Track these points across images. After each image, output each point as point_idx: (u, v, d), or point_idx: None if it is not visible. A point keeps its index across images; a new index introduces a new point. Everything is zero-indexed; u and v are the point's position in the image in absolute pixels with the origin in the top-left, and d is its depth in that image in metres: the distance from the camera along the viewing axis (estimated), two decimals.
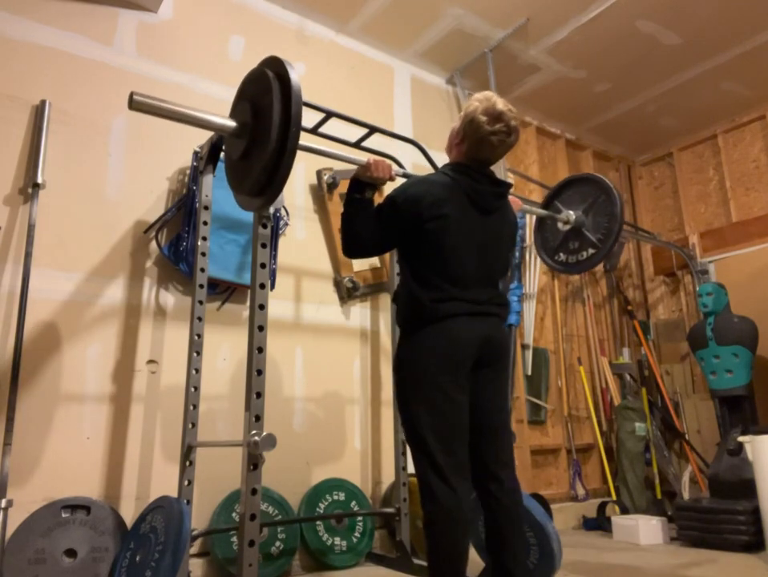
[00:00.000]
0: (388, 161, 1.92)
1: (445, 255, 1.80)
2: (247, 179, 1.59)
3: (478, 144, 1.86)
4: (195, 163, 2.61)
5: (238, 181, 1.67)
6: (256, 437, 1.65)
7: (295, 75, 1.49)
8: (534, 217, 3.97)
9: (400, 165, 2.83)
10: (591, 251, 2.52)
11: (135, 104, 1.52)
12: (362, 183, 1.89)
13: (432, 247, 1.81)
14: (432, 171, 2.69)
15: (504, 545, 1.77)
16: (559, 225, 2.65)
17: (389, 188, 2.04)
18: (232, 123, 1.65)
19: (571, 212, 2.56)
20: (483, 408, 1.83)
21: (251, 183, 1.56)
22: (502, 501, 1.80)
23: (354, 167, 1.97)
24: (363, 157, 1.95)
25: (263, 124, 1.52)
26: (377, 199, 1.95)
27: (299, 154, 3.13)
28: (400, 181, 2.02)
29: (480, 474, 1.82)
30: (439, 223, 1.79)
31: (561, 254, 2.67)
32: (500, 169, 3.64)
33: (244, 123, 1.61)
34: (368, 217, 1.86)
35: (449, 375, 1.74)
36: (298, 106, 1.45)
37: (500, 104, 1.84)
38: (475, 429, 1.80)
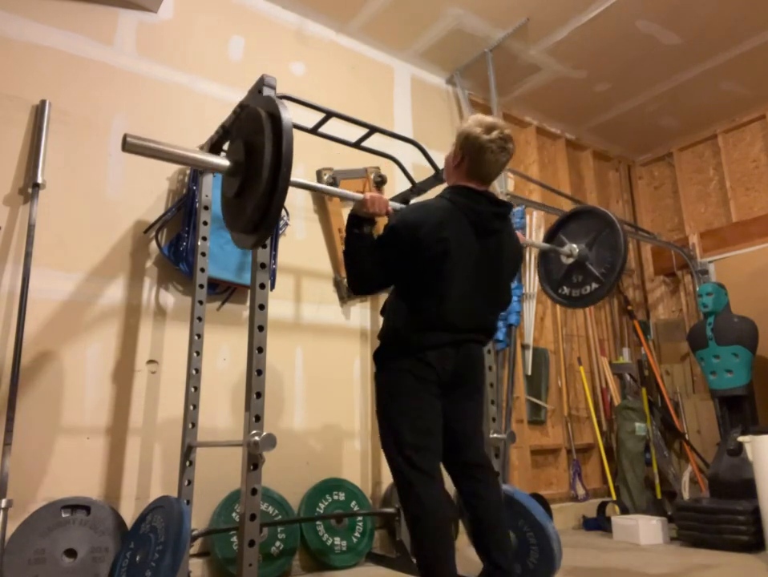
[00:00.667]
0: (384, 197, 1.93)
1: (441, 280, 1.81)
2: (241, 217, 1.61)
3: (478, 156, 1.86)
4: None
5: (233, 219, 1.70)
6: (256, 437, 1.65)
7: (287, 115, 1.51)
8: (533, 216, 3.97)
9: (400, 165, 2.84)
10: (594, 285, 2.51)
11: (128, 146, 1.53)
12: (360, 218, 1.90)
13: (429, 273, 1.81)
14: (432, 171, 2.70)
15: (490, 541, 1.83)
16: (563, 258, 2.64)
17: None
18: (226, 163, 1.67)
19: (574, 246, 2.55)
20: (455, 417, 1.90)
21: (245, 221, 1.58)
22: (482, 498, 1.87)
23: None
24: (359, 194, 1.96)
25: (255, 163, 1.54)
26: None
27: (298, 154, 3.13)
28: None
29: (459, 476, 1.91)
30: (439, 247, 1.79)
31: (565, 287, 2.66)
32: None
33: (238, 163, 1.63)
34: (369, 251, 1.87)
35: (423, 387, 1.81)
36: (289, 145, 1.48)
37: (489, 117, 1.89)
38: (451, 436, 1.88)
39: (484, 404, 2.13)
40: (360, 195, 1.93)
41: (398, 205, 2.07)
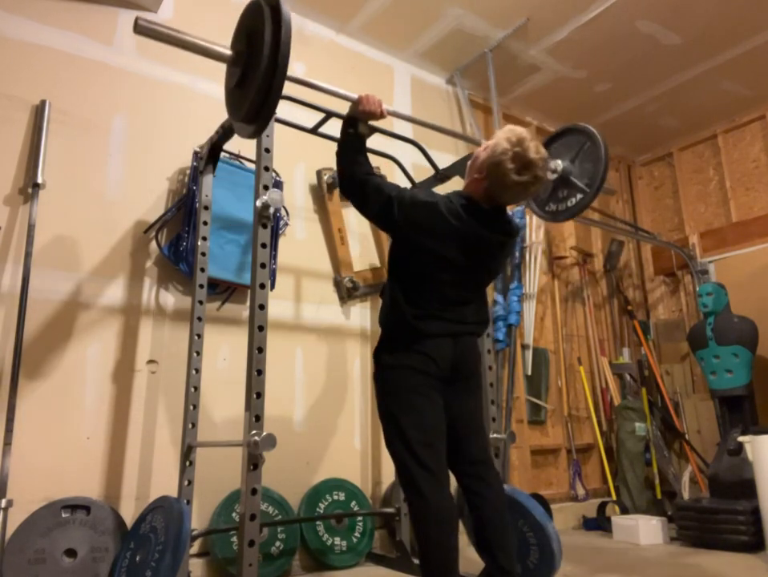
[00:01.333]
0: (378, 97, 1.94)
1: (434, 274, 1.82)
2: (243, 104, 1.66)
3: (500, 190, 1.81)
4: (195, 163, 2.61)
5: (235, 109, 1.75)
6: (256, 437, 1.65)
7: (285, 5, 1.59)
8: (533, 216, 3.97)
9: (400, 165, 2.84)
10: (579, 196, 2.54)
11: (138, 28, 1.64)
12: (356, 119, 1.92)
13: (421, 266, 1.83)
14: (432, 171, 2.69)
15: (492, 540, 1.82)
16: (548, 175, 2.67)
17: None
18: (228, 52, 1.73)
19: (558, 161, 2.59)
20: (458, 413, 1.89)
21: (247, 107, 1.63)
22: (486, 497, 1.86)
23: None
24: (354, 94, 1.98)
25: (256, 48, 1.61)
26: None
27: (299, 154, 3.13)
28: (396, 122, 2.02)
29: (463, 474, 1.90)
30: (434, 256, 1.80)
31: (551, 204, 2.69)
32: None
33: (240, 52, 1.70)
34: (361, 151, 1.90)
35: (425, 382, 1.80)
36: (288, 27, 1.55)
37: (532, 151, 1.76)
38: (453, 433, 1.87)
39: (484, 399, 2.14)
40: (354, 95, 1.96)
41: (391, 108, 2.07)
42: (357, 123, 1.92)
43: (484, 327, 2.00)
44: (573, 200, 2.57)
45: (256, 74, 1.57)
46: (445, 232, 1.79)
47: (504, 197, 1.85)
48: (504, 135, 1.80)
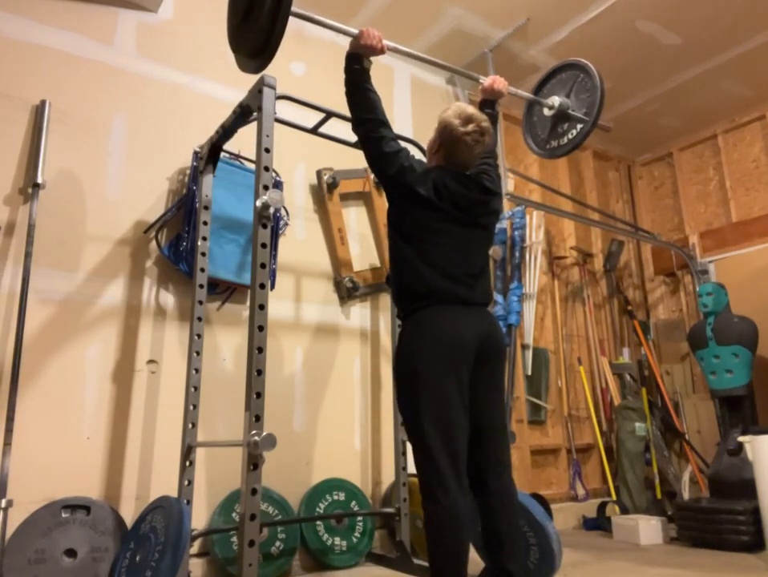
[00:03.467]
0: (378, 32, 1.99)
1: (433, 242, 1.87)
2: (249, 36, 1.67)
3: (454, 146, 1.94)
4: (195, 163, 2.61)
5: (238, 44, 1.76)
6: (256, 437, 1.65)
7: None
8: (533, 216, 3.97)
9: None
10: (579, 126, 2.55)
11: None
12: (358, 55, 1.97)
13: (420, 231, 1.88)
14: None
15: (502, 544, 1.78)
16: (546, 112, 2.68)
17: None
18: None
19: (555, 97, 2.61)
20: (481, 409, 1.84)
21: (253, 39, 1.63)
22: (499, 501, 1.82)
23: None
24: (354, 29, 2.01)
25: None
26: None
27: (299, 154, 3.13)
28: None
29: (478, 474, 1.84)
30: (426, 207, 1.87)
31: (552, 141, 2.70)
32: (501, 170, 3.63)
33: None
34: (368, 83, 1.95)
35: (449, 374, 1.75)
36: None
37: (470, 109, 1.95)
38: (474, 430, 1.81)
39: (504, 384, 2.04)
40: (354, 30, 1.99)
41: (391, 44, 2.09)
42: (361, 58, 1.97)
43: (489, 298, 2.00)
44: (574, 131, 2.59)
45: (261, 7, 1.56)
46: (430, 185, 1.88)
47: (460, 154, 1.94)
48: (445, 109, 2.00)
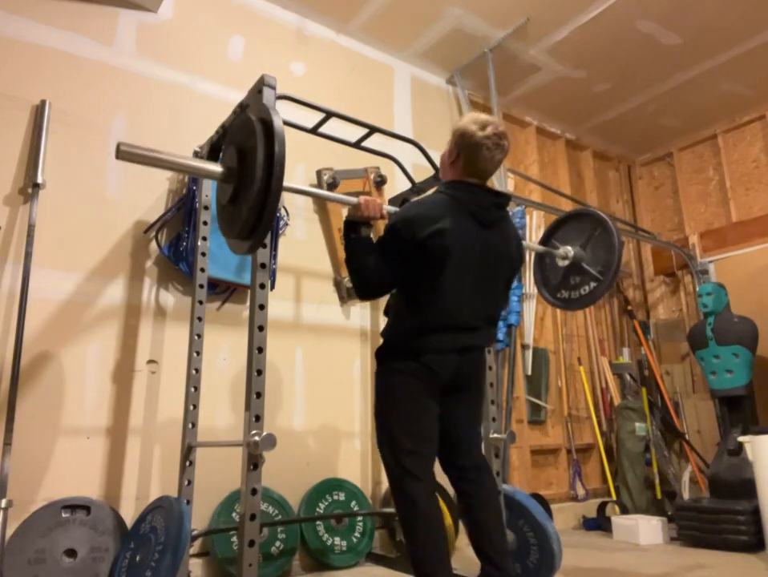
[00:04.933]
0: (378, 200, 1.93)
1: (442, 279, 1.80)
2: (236, 222, 1.62)
3: (474, 153, 1.86)
4: None
5: (228, 225, 1.70)
6: (256, 437, 1.65)
7: (278, 120, 1.52)
8: (533, 216, 3.97)
9: (400, 165, 2.84)
10: (593, 284, 2.52)
11: (121, 155, 1.54)
12: (356, 222, 1.90)
13: (430, 270, 1.81)
14: (432, 170, 2.70)
15: (486, 541, 1.84)
16: (558, 262, 2.64)
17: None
18: (219, 169, 1.69)
19: (569, 248, 2.56)
20: (455, 419, 1.92)
21: (240, 225, 1.58)
22: (480, 500, 1.89)
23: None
24: (353, 198, 1.96)
25: (248, 166, 1.55)
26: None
27: (299, 154, 3.13)
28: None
29: (457, 478, 1.93)
30: (437, 240, 1.78)
31: (563, 291, 2.66)
32: (500, 170, 3.63)
33: (231, 168, 1.65)
34: (369, 253, 1.87)
35: (424, 390, 1.82)
36: (281, 146, 1.48)
37: (484, 115, 1.91)
38: (448, 438, 1.89)
39: (483, 404, 2.15)
40: (354, 200, 1.93)
41: (392, 209, 2.08)
42: (359, 228, 1.90)
43: (493, 338, 2.01)
44: (587, 288, 2.54)
45: (250, 193, 1.51)
46: (438, 210, 1.82)
47: (481, 161, 1.88)
48: (459, 120, 1.97)
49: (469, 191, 1.88)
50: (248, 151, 1.56)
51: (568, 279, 2.62)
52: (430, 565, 1.69)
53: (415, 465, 1.76)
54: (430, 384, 1.82)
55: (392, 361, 1.87)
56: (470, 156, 1.88)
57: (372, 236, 1.95)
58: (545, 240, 2.75)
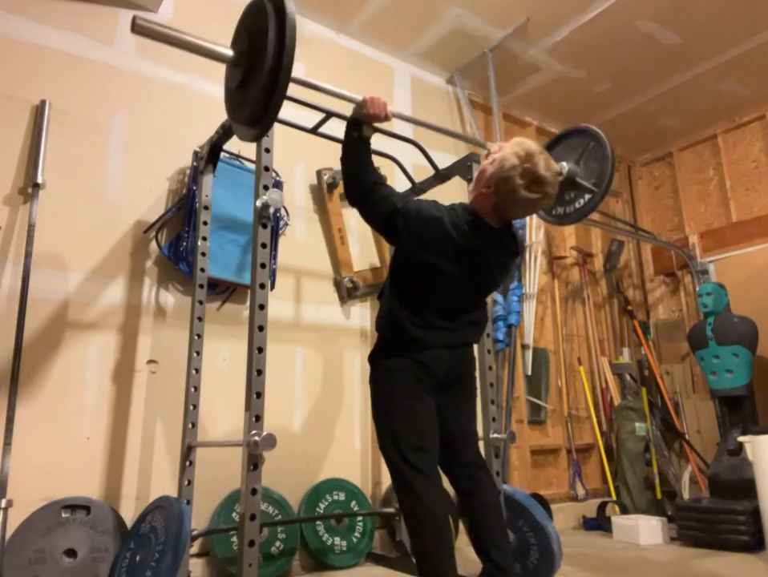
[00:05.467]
0: (383, 99, 1.90)
1: (434, 287, 1.83)
2: (245, 105, 1.63)
3: (509, 206, 1.77)
4: (195, 163, 2.61)
5: (237, 111, 1.71)
6: (256, 437, 1.65)
7: (291, 5, 1.53)
8: (533, 217, 3.97)
9: (400, 165, 2.84)
10: (587, 196, 2.53)
11: (137, 28, 1.61)
12: (359, 121, 1.88)
13: (422, 278, 1.83)
14: (432, 171, 2.69)
15: (487, 539, 1.84)
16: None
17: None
18: (229, 52, 1.69)
19: (563, 164, 2.57)
20: (451, 417, 1.92)
21: (250, 108, 1.60)
22: (479, 498, 1.89)
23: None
24: (358, 96, 1.93)
25: (259, 47, 1.56)
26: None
27: (299, 154, 3.12)
28: (395, 122, 2.00)
29: (456, 477, 1.93)
30: (435, 270, 1.79)
31: (558, 208, 2.67)
32: None
33: (241, 51, 1.65)
34: (368, 161, 1.85)
35: (420, 387, 1.82)
36: (292, 23, 1.49)
37: (542, 168, 1.70)
38: (446, 437, 1.88)
39: (484, 400, 2.16)
40: (358, 97, 1.91)
41: (397, 111, 2.05)
42: (362, 126, 1.87)
43: (480, 336, 2.03)
44: (581, 201, 2.56)
45: (260, 73, 1.53)
46: (448, 249, 1.76)
47: (512, 213, 1.82)
48: (512, 150, 1.73)
49: (489, 242, 1.81)
50: (258, 33, 1.57)
51: (563, 195, 2.63)
52: (436, 563, 1.68)
53: (420, 460, 1.75)
54: (425, 381, 1.82)
55: (386, 359, 1.87)
56: (504, 206, 1.78)
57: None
58: None
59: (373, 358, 1.93)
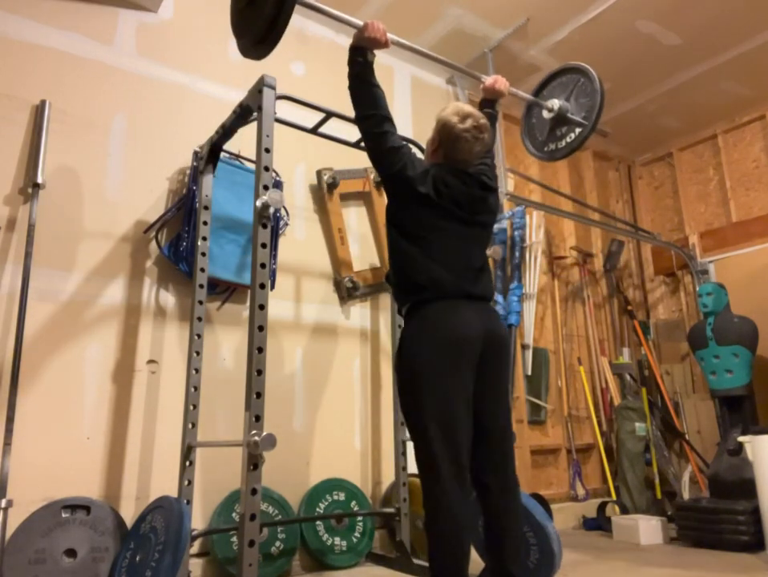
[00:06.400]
0: (384, 26, 1.98)
1: (433, 220, 1.87)
2: (254, 21, 1.64)
3: (453, 144, 1.93)
4: (195, 163, 2.61)
5: (244, 28, 1.73)
6: (256, 437, 1.65)
7: None
8: (533, 216, 3.97)
9: None
10: (578, 130, 2.56)
11: None
12: (362, 47, 1.96)
13: (420, 214, 1.88)
14: None
15: (503, 545, 1.77)
16: (545, 114, 2.68)
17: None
18: None
19: (555, 100, 2.61)
20: (484, 408, 1.83)
21: (259, 23, 1.61)
22: (502, 500, 1.81)
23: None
24: (359, 20, 2.00)
25: None
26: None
27: (299, 154, 3.13)
28: (395, 49, 2.11)
29: (480, 473, 1.82)
30: (420, 196, 1.86)
31: (549, 144, 2.72)
32: (500, 170, 3.63)
33: None
34: (375, 83, 1.93)
35: (452, 373, 1.74)
36: None
37: (468, 107, 1.96)
38: (477, 429, 1.80)
39: (510, 390, 2.05)
40: (359, 22, 1.98)
41: (395, 37, 2.08)
42: (366, 51, 1.95)
43: (492, 292, 2.00)
44: (572, 135, 2.60)
45: None
46: (425, 179, 1.88)
47: (460, 151, 1.93)
48: (443, 108, 2.00)
49: (460, 179, 1.93)
50: None
51: (555, 132, 2.68)
52: (451, 565, 1.64)
53: (451, 451, 1.68)
54: (458, 355, 1.75)
55: (417, 326, 1.83)
56: (449, 147, 1.94)
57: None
58: (531, 101, 2.79)
59: (405, 326, 1.89)
